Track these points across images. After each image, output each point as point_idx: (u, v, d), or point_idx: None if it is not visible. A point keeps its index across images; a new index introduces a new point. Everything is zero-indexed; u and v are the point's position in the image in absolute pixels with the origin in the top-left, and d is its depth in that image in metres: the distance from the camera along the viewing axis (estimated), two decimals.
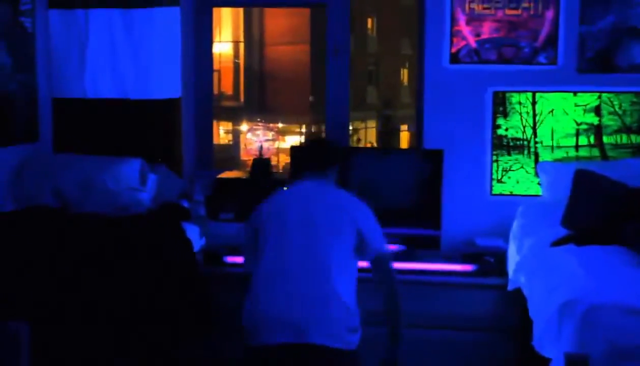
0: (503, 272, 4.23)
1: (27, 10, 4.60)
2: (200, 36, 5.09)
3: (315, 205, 3.27)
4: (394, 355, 3.32)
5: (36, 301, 3.29)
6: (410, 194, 4.71)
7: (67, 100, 4.87)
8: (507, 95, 4.60)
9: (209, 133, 5.22)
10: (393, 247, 4.43)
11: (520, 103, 4.60)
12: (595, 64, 4.48)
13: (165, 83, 4.82)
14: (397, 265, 4.16)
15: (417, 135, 4.90)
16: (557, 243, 3.80)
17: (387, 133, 4.74)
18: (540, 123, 4.61)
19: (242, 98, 5.49)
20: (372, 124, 4.64)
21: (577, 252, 3.65)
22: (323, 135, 5.07)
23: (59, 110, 4.90)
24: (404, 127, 4.59)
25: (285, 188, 3.46)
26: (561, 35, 4.49)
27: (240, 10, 5.77)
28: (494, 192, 4.67)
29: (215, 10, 5.26)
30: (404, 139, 4.61)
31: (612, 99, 4.51)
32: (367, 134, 4.66)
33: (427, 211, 4.61)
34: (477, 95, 4.62)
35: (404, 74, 4.63)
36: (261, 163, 4.89)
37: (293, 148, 4.66)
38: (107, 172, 4.38)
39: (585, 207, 3.90)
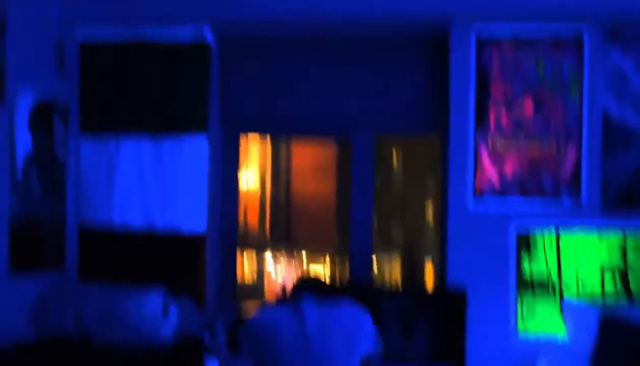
0: None
1: (59, 138, 4.64)
2: (228, 164, 4.96)
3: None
4: None
5: None
6: (435, 336, 4.45)
7: (94, 227, 4.80)
8: (531, 236, 4.44)
9: (232, 267, 5.00)
10: None
11: (544, 245, 4.42)
12: (619, 201, 4.33)
13: (192, 215, 4.74)
14: None
15: (440, 273, 4.71)
16: None
17: (412, 268, 4.61)
18: (565, 263, 4.43)
19: (267, 230, 5.45)
20: (396, 260, 4.57)
21: None
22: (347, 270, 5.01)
23: (86, 238, 4.85)
24: (428, 261, 4.48)
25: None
26: (584, 171, 4.35)
27: (268, 144, 5.75)
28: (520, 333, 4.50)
29: (243, 143, 5.22)
30: (429, 272, 4.48)
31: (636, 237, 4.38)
32: (392, 271, 4.56)
33: (450, 349, 4.38)
34: (501, 234, 4.45)
35: (429, 211, 4.55)
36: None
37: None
38: (130, 302, 4.29)
39: (613, 351, 3.73)
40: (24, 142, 4.33)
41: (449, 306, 4.44)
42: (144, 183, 4.77)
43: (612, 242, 4.40)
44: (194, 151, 4.73)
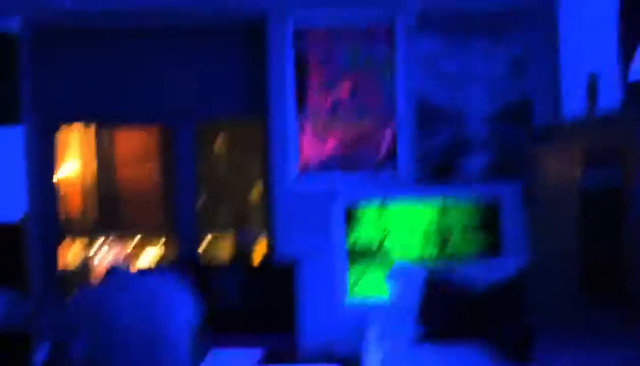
0: None
1: None
2: (46, 156, 4.79)
3: None
4: None
5: None
6: (268, 305, 4.53)
7: None
8: (355, 209, 4.56)
9: (54, 254, 4.80)
10: (252, 358, 4.22)
11: (368, 216, 4.54)
12: (433, 174, 4.51)
13: (7, 205, 4.52)
14: None
15: (271, 250, 4.72)
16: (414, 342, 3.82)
17: (242, 247, 4.61)
18: (389, 230, 4.60)
19: (94, 217, 5.32)
20: (227, 240, 4.55)
21: (433, 350, 3.65)
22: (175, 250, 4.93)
23: None
24: (261, 240, 4.53)
25: None
26: (400, 148, 4.49)
27: (92, 133, 5.56)
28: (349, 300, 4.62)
29: (66, 133, 5.03)
30: (261, 250, 4.53)
31: (451, 205, 4.56)
32: (222, 250, 4.56)
33: (284, 320, 4.43)
34: (326, 209, 4.54)
35: (257, 192, 4.58)
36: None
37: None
38: None
39: (437, 307, 3.89)
40: None
41: (278, 278, 4.49)
42: None
43: (430, 210, 4.58)
44: (7, 143, 4.53)
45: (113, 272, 3.50)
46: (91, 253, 5.14)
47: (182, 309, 3.19)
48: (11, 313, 4.28)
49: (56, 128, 4.88)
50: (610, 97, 3.54)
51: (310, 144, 4.61)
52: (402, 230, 4.63)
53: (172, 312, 3.16)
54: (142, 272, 3.45)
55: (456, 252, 4.61)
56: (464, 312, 3.86)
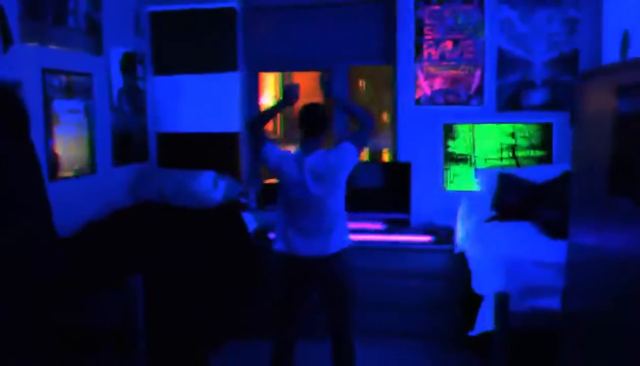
0: (451, 241, 4.44)
1: (140, 76, 5.03)
2: (251, 91, 5.36)
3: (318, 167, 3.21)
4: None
5: (146, 261, 3.40)
6: (390, 191, 5.00)
7: (166, 134, 5.27)
8: (453, 126, 4.88)
9: (257, 158, 5.51)
10: (378, 226, 4.80)
11: (462, 133, 4.88)
12: (507, 105, 4.83)
13: (230, 121, 5.17)
14: (383, 237, 4.57)
15: (393, 153, 5.20)
16: (488, 220, 4.09)
17: (375, 153, 5.29)
18: (476, 143, 4.89)
19: (279, 133, 6.23)
20: (365, 149, 5.18)
21: (500, 226, 3.91)
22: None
23: (161, 140, 5.29)
24: (385, 150, 5.15)
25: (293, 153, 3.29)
26: (485, 87, 4.82)
27: (277, 77, 6.39)
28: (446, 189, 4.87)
29: (263, 75, 5.58)
30: (385, 156, 5.16)
31: (520, 127, 4.79)
32: (363, 155, 5.22)
33: (401, 202, 4.91)
34: (433, 125, 4.91)
35: (385, 116, 5.18)
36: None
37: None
38: (192, 179, 4.67)
39: (506, 197, 4.22)
40: (117, 80, 4.64)
41: (399, 172, 4.87)
42: (198, 103, 5.18)
43: (504, 130, 4.84)
44: (230, 83, 5.14)
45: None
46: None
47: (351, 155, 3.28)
48: (231, 191, 4.84)
49: (258, 74, 5.37)
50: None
51: (423, 83, 4.91)
52: (485, 144, 4.87)
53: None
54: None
55: (526, 159, 4.80)
56: (524, 200, 4.07)
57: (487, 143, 4.84)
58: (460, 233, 4.27)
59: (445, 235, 4.54)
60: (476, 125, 4.81)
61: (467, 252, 3.98)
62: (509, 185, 4.28)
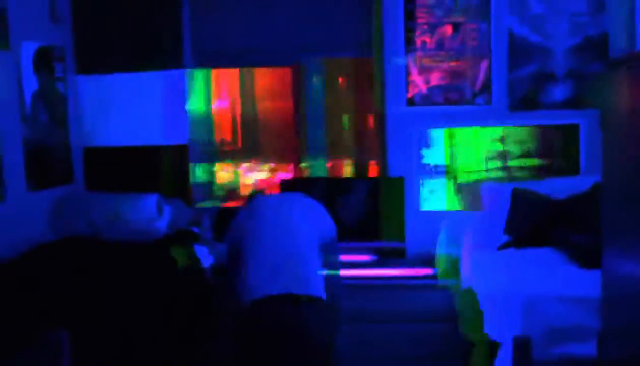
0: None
1: (59, 77, 5.01)
2: (203, 93, 5.44)
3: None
4: None
5: (74, 311, 3.46)
6: (380, 214, 5.09)
7: (95, 149, 5.26)
8: (452, 133, 4.98)
9: (211, 172, 5.55)
10: (367, 258, 4.88)
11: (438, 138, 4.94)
12: (522, 103, 4.93)
13: (176, 132, 5.22)
14: (373, 272, 4.69)
15: (381, 166, 5.27)
16: (501, 247, 4.16)
17: (360, 167, 5.25)
18: (456, 153, 5.01)
19: (239, 144, 6.15)
20: (348, 162, 5.22)
21: (516, 254, 3.97)
22: (307, 171, 5.52)
23: (89, 157, 5.28)
24: (373, 163, 5.16)
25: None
26: (494, 81, 4.91)
27: (236, 73, 6.42)
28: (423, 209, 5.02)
29: (217, 72, 5.68)
30: (373, 169, 5.18)
31: (538, 129, 4.83)
32: (344, 169, 5.25)
33: (394, 227, 5.01)
34: (431, 130, 4.98)
35: (371, 120, 5.20)
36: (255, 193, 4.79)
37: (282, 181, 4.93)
38: (129, 205, 4.67)
39: (522, 218, 4.29)
40: (29, 82, 4.60)
41: (390, 189, 5.01)
42: (134, 109, 5.22)
43: (490, 134, 5.01)
44: (174, 82, 5.22)
45: (255, 193, 3.79)
46: (238, 173, 5.67)
47: (323, 225, 3.51)
48: (179, 218, 4.87)
49: (209, 72, 5.41)
50: None
51: (417, 78, 4.94)
52: (466, 152, 4.98)
53: (313, 225, 3.47)
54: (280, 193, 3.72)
55: (540, 170, 4.84)
56: (545, 221, 4.13)
57: (469, 152, 4.95)
58: (466, 264, 4.35)
59: (448, 267, 4.62)
60: (457, 130, 4.94)
61: (476, 287, 4.01)
62: (525, 204, 4.37)
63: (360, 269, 4.75)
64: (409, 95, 4.98)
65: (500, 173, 4.85)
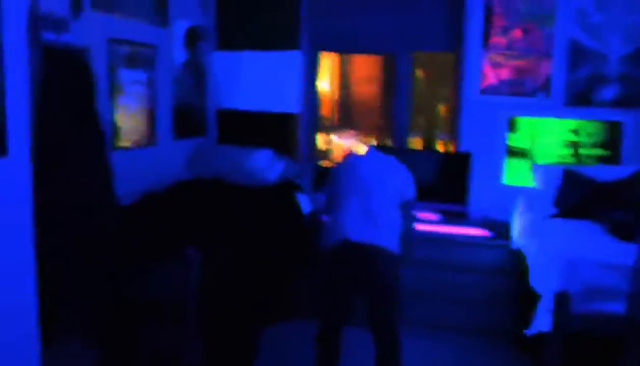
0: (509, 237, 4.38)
1: (202, 51, 5.13)
2: (311, 72, 5.40)
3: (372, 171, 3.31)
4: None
5: (203, 235, 3.47)
6: (448, 181, 4.97)
7: (225, 110, 5.35)
8: (516, 120, 4.82)
9: (314, 138, 5.58)
10: (434, 217, 4.81)
11: (523, 127, 4.82)
12: (577, 99, 4.75)
13: (290, 102, 5.23)
14: (439, 228, 4.55)
15: (453, 144, 5.16)
16: (550, 217, 4.03)
17: (429, 143, 5.19)
18: (537, 138, 4.82)
19: (336, 119, 6.17)
20: (425, 138, 5.18)
21: (562, 223, 3.88)
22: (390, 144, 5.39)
23: (220, 117, 5.37)
24: (442, 142, 5.13)
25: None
26: (554, 79, 4.74)
27: (337, 60, 6.41)
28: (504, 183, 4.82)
29: (323, 55, 5.59)
30: (441, 147, 5.13)
31: (589, 123, 4.72)
32: (416, 145, 5.21)
33: (459, 194, 4.91)
34: (497, 116, 4.89)
35: (442, 108, 5.13)
36: (350, 153, 4.66)
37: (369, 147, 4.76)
38: (249, 157, 4.73)
39: (570, 194, 4.21)
40: (180, 54, 4.74)
41: (460, 163, 4.87)
42: (257, 81, 5.26)
43: (570, 125, 4.78)
44: (291, 61, 5.20)
45: (350, 153, 3.68)
46: (333, 141, 5.78)
47: (406, 187, 3.36)
48: (287, 171, 4.90)
49: (319, 54, 5.43)
50: None
51: (490, 72, 4.85)
52: (550, 138, 4.77)
53: (398, 184, 3.33)
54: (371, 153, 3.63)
55: (588, 158, 4.73)
56: (589, 199, 4.05)
57: (549, 139, 4.79)
58: (517, 229, 4.25)
59: (503, 230, 4.51)
60: (539, 119, 4.77)
61: (524, 248, 3.94)
62: (574, 183, 4.24)
63: (429, 225, 4.67)
64: (482, 86, 4.88)
65: (571, 160, 4.74)
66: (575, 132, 4.72)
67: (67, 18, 3.23)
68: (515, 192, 4.67)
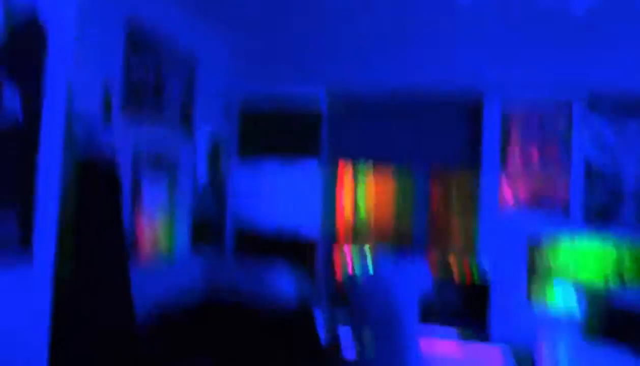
0: None
1: (223, 165, 5.14)
2: (331, 187, 5.40)
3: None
4: None
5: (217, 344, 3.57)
6: (467, 310, 4.84)
7: (243, 226, 5.35)
8: (538, 239, 4.74)
9: (331, 259, 5.42)
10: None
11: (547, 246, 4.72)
12: (596, 217, 4.69)
13: (310, 224, 5.23)
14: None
15: (471, 267, 5.03)
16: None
17: (445, 264, 5.01)
18: (562, 259, 4.71)
19: (350, 232, 6.11)
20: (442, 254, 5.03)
21: (593, 352, 3.79)
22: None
23: (239, 233, 5.37)
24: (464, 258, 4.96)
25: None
26: (571, 197, 4.73)
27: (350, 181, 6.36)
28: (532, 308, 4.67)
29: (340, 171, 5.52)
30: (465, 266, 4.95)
31: (612, 242, 4.58)
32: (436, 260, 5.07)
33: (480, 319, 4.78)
34: (517, 237, 4.85)
35: (464, 223, 5.03)
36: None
37: None
38: (268, 275, 4.67)
39: (597, 323, 4.10)
40: (202, 166, 4.78)
41: (479, 292, 4.86)
42: (276, 197, 5.25)
43: (597, 245, 4.70)
44: (312, 176, 5.25)
45: (365, 272, 3.78)
46: (351, 257, 5.55)
47: (423, 282, 3.45)
48: (301, 290, 4.77)
49: (336, 170, 5.44)
50: None
51: (507, 190, 4.86)
52: (573, 259, 4.69)
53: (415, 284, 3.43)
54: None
55: (617, 280, 4.58)
56: (620, 327, 3.98)
57: (576, 259, 4.73)
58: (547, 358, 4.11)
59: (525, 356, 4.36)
60: (559, 238, 4.71)
61: None
62: (602, 308, 4.26)
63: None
64: (500, 204, 4.86)
65: (615, 284, 4.58)
66: (604, 252, 4.65)
67: (99, 122, 3.30)
68: (545, 314, 4.62)
